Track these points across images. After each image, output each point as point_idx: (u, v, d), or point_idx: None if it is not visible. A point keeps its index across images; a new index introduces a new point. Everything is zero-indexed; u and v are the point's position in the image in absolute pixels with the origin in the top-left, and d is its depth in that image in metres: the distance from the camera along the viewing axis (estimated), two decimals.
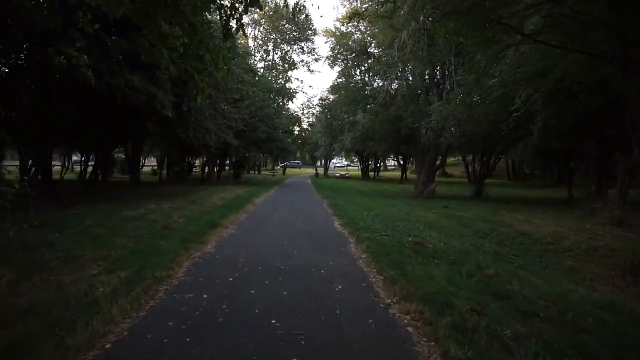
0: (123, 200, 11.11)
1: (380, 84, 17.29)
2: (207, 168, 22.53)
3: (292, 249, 5.72)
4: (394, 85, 17.45)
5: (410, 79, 16.13)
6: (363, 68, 19.74)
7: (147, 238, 5.77)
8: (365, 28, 20.12)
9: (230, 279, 4.18)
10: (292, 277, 4.32)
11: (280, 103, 33.84)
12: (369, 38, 19.72)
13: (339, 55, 20.82)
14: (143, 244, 5.36)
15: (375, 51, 17.47)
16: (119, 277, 4.04)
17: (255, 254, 5.32)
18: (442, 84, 16.82)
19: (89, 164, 15.03)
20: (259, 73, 25.32)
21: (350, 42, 20.13)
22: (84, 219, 7.14)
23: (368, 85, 18.97)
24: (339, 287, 4.04)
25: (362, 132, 21.27)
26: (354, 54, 19.98)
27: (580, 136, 12.46)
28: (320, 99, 25.96)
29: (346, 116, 20.83)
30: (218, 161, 22.84)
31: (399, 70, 16.10)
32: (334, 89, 20.83)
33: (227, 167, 33.87)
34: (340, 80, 20.46)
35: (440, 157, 18.23)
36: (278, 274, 4.42)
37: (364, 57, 19.28)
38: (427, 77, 15.89)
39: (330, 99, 25.87)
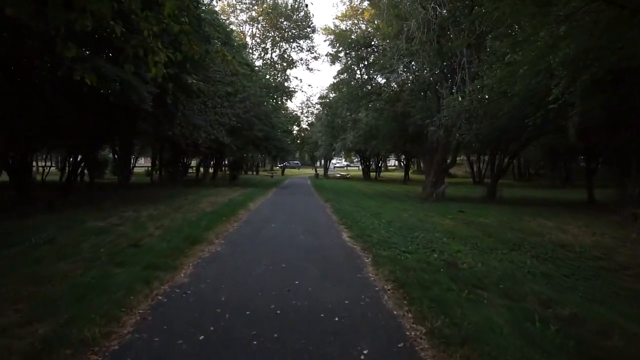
0: (100, 206, 9.68)
1: (385, 80, 15.90)
2: (201, 169, 21.09)
3: (292, 275, 4.31)
4: (400, 80, 16.06)
5: (418, 73, 14.74)
6: (366, 63, 18.31)
7: (102, 263, 4.35)
8: (367, 24, 18.76)
9: (202, 337, 2.77)
10: (292, 331, 2.91)
11: (279, 102, 32.45)
12: (371, 30, 18.33)
13: (340, 49, 19.41)
14: (92, 273, 3.94)
15: (380, 43, 16.08)
16: (32, 335, 2.64)
17: (242, 286, 3.90)
18: (452, 77, 15.46)
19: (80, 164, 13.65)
20: (257, 68, 23.90)
21: (353, 36, 18.73)
22: (37, 232, 5.71)
23: (372, 81, 17.55)
24: (365, 351, 2.64)
25: (365, 131, 19.89)
26: (356, 48, 18.58)
27: (613, 131, 11.10)
28: (321, 97, 24.66)
29: (348, 114, 19.44)
30: (213, 161, 21.42)
31: (406, 63, 14.71)
32: (335, 85, 19.42)
33: (224, 168, 32.47)
34: (342, 76, 19.03)
35: (450, 157, 16.84)
36: (272, 325, 3.01)
37: (368, 50, 17.89)
38: (437, 70, 14.51)
39: (331, 97, 24.38)
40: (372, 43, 18.16)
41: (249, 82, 16.30)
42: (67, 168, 12.09)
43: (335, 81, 21.73)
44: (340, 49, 19.23)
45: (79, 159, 11.26)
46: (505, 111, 11.43)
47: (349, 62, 19.24)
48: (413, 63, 14.80)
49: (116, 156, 21.51)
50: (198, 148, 11.69)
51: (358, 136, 20.45)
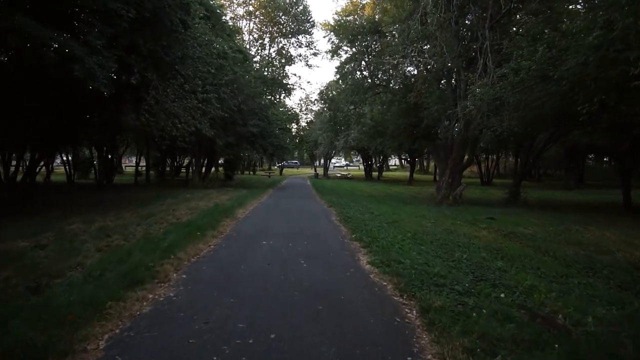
0: (47, 213, 7.61)
1: (395, 68, 13.81)
2: (192, 168, 18.95)
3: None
4: (413, 67, 14.00)
5: (434, 58, 12.67)
6: (373, 52, 16.21)
7: None
8: (375, 7, 16.66)
9: None
10: None
11: (277, 97, 30.37)
12: (378, 17, 16.26)
13: (343, 37, 17.31)
14: None
15: (389, 28, 14.02)
16: None
17: None
18: (472, 64, 13.44)
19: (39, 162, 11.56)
20: (253, 60, 21.82)
21: (359, 21, 16.64)
22: None
23: (379, 71, 15.45)
24: None
25: (371, 127, 17.83)
26: (361, 37, 16.50)
27: None
28: (321, 93, 22.65)
29: (352, 107, 17.40)
30: (205, 161, 19.31)
31: (420, 48, 12.65)
32: (338, 75, 17.32)
33: (220, 168, 30.33)
34: (346, 66, 16.93)
35: (467, 154, 14.82)
36: None
37: (374, 38, 15.83)
38: (455, 56, 12.46)
39: (333, 93, 22.18)
40: (379, 29, 16.08)
41: (242, 70, 14.21)
42: (20, 167, 9.97)
43: (336, 77, 19.63)
44: (343, 36, 17.13)
45: (36, 157, 9.14)
46: (544, 99, 9.40)
47: (353, 51, 17.14)
48: (427, 46, 12.74)
49: (92, 155, 19.45)
50: (175, 143, 9.55)
51: (362, 132, 18.39)
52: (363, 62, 16.20)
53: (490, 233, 7.75)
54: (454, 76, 13.87)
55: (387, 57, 13.05)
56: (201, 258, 4.69)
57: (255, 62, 28.67)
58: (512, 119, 9.79)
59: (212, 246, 5.38)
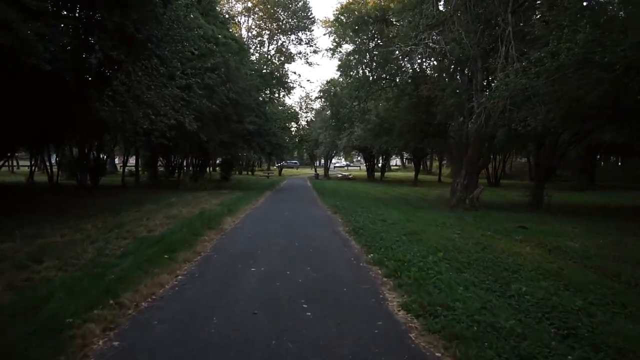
0: None
1: (406, 58, 12.34)
2: (184, 169, 17.40)
3: None
4: (423, 59, 12.50)
5: (449, 46, 11.16)
6: (380, 44, 14.69)
7: None
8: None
9: None
10: None
11: (276, 94, 28.82)
12: (385, 1, 14.77)
13: (346, 29, 15.81)
14: None
15: (400, 14, 12.54)
16: None
17: None
18: (491, 54, 11.98)
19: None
20: (252, 57, 20.32)
21: (364, 10, 15.11)
22: None
23: (388, 62, 13.91)
24: None
25: (376, 124, 16.31)
26: (367, 25, 15.00)
27: None
28: (321, 90, 21.17)
29: (356, 103, 15.90)
30: (200, 161, 17.82)
31: (434, 35, 11.15)
32: (342, 68, 15.78)
33: (217, 168, 28.79)
34: (351, 57, 15.39)
35: (484, 153, 13.34)
36: None
37: (381, 26, 14.32)
38: (474, 43, 10.95)
39: (337, 89, 20.54)
40: (386, 17, 14.60)
41: (236, 61, 12.70)
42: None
43: (339, 73, 18.09)
44: (346, 26, 15.61)
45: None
46: (587, 87, 7.92)
47: (357, 42, 15.62)
48: (436, 36, 11.23)
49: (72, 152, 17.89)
50: (149, 138, 7.99)
51: (367, 130, 16.88)
52: (368, 54, 14.66)
53: (534, 249, 6.27)
54: (471, 67, 12.36)
55: (398, 45, 11.53)
56: (157, 301, 3.17)
57: (253, 56, 27.04)
58: (549, 112, 8.28)
59: (180, 277, 3.85)
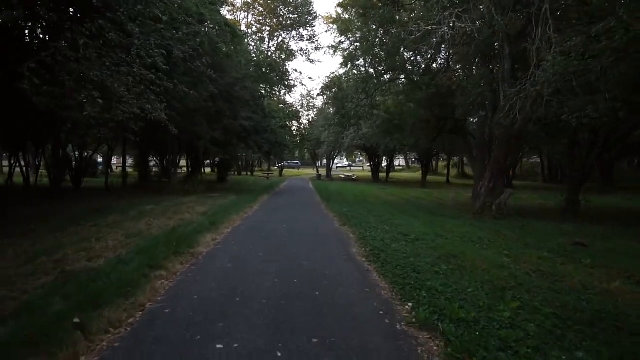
0: None
1: (420, 44, 10.47)
2: (172, 170, 15.58)
3: None
4: (441, 43, 10.63)
5: (475, 25, 9.32)
6: (392, 30, 12.84)
7: None
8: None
9: None
10: None
11: (275, 91, 27.03)
12: None
13: (352, 11, 14.00)
14: None
15: None
16: None
17: None
18: (520, 37, 10.21)
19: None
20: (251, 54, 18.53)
21: None
22: None
23: (403, 49, 12.05)
24: None
25: (385, 120, 14.50)
26: (375, 10, 13.14)
27: None
28: (324, 84, 19.38)
29: (363, 97, 14.10)
30: (191, 160, 16.02)
31: (458, 13, 9.32)
32: (347, 58, 13.97)
33: (215, 169, 26.97)
34: (357, 44, 13.56)
35: (512, 152, 11.52)
36: None
37: (394, 9, 12.47)
38: (505, 22, 9.13)
39: (343, 84, 18.58)
40: None
41: (225, 45, 10.89)
42: None
43: (342, 67, 16.28)
44: (353, 9, 13.79)
45: None
46: None
47: (365, 31, 13.77)
48: (461, 12, 9.38)
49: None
50: (99, 132, 6.12)
51: (376, 127, 15.07)
52: (378, 40, 12.81)
53: (624, 283, 4.46)
54: (499, 52, 10.53)
55: (415, 25, 9.72)
56: None
57: (251, 46, 24.95)
58: (614, 99, 6.47)
59: None
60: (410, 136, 14.05)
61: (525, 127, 11.09)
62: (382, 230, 7.01)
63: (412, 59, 11.89)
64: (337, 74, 16.36)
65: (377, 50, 13.52)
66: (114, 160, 39.11)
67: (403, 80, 13.90)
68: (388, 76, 13.54)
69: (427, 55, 11.14)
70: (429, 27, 9.07)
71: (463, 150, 16.47)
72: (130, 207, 8.44)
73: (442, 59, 11.20)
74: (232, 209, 9.19)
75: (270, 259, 4.74)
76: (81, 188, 15.34)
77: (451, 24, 9.48)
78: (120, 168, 17.16)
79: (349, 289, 3.70)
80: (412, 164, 51.45)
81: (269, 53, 33.32)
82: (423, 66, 10.85)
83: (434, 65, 11.79)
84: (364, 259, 4.94)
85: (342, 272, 4.29)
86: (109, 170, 21.02)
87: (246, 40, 20.08)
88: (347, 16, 16.01)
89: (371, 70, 14.15)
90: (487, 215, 10.72)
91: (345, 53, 14.35)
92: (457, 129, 13.13)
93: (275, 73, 22.22)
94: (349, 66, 14.16)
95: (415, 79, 13.25)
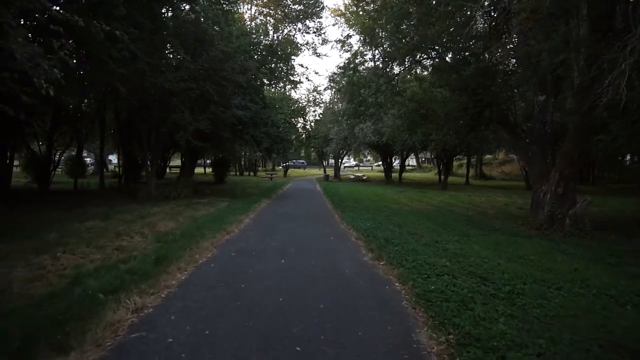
0: None
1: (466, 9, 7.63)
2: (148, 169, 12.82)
3: None
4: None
5: None
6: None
7: None
8: None
9: None
10: None
11: (277, 74, 24.18)
12: None
13: None
14: None
15: None
16: None
17: None
18: None
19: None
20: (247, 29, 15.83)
21: None
22: None
23: (432, 21, 9.19)
24: None
25: (411, 110, 11.64)
26: None
27: None
28: (333, 74, 16.66)
29: (382, 82, 11.30)
30: (183, 158, 13.32)
31: None
32: (365, 32, 11.11)
33: (213, 168, 24.27)
34: (381, 22, 10.66)
35: (587, 147, 8.62)
36: None
37: None
38: None
39: (358, 69, 15.58)
40: None
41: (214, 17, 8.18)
42: None
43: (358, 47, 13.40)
44: None
45: None
46: None
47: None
48: None
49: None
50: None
51: (398, 117, 12.22)
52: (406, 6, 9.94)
53: None
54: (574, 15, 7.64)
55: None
56: None
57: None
58: None
59: None
60: (441, 129, 11.18)
61: (602, 113, 8.17)
62: (441, 267, 4.19)
63: (452, 28, 9.02)
64: (353, 53, 13.48)
65: (401, 22, 10.67)
66: (113, 159, 36.50)
67: (435, 59, 11.01)
68: (419, 51, 10.64)
69: (478, 20, 8.24)
70: None
71: (511, 146, 13.56)
72: (62, 221, 5.72)
73: (495, 22, 8.29)
74: (217, 222, 6.42)
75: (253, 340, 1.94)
76: (48, 190, 12.79)
77: None
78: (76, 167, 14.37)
79: None
80: (423, 163, 48.31)
81: (272, 44, 30.59)
82: (471, 34, 7.94)
83: (478, 31, 8.86)
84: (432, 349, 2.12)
85: None
86: (104, 170, 18.55)
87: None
88: None
89: (398, 39, 11.22)
90: (557, 230, 7.84)
91: (366, 18, 11.46)
92: (502, 119, 10.24)
93: (277, 58, 19.34)
94: (366, 41, 11.31)
95: (449, 56, 10.37)
